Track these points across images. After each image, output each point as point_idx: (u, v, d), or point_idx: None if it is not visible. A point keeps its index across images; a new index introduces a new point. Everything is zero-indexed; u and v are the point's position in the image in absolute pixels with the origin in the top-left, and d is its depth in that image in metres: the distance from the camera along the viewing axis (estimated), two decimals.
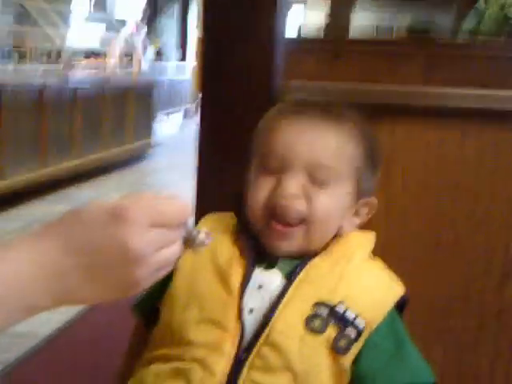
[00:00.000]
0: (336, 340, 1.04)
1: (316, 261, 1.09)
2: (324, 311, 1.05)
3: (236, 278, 1.06)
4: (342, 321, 1.05)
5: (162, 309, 1.11)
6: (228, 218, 1.17)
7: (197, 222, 1.28)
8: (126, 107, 6.91)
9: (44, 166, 5.24)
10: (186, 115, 11.22)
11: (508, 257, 1.66)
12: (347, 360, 1.04)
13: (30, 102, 5.01)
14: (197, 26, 11.38)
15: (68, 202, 5.10)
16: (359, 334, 1.05)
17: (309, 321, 1.04)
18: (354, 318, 1.05)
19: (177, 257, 0.75)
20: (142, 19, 10.67)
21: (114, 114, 6.64)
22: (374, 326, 1.07)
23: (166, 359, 1.05)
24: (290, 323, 1.04)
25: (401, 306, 1.15)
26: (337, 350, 1.04)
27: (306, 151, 1.08)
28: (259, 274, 1.08)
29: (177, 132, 9.90)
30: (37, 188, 5.10)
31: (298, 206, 1.07)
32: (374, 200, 1.19)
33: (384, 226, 1.68)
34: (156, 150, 7.85)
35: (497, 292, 1.67)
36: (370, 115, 1.63)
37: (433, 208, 1.67)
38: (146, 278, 0.72)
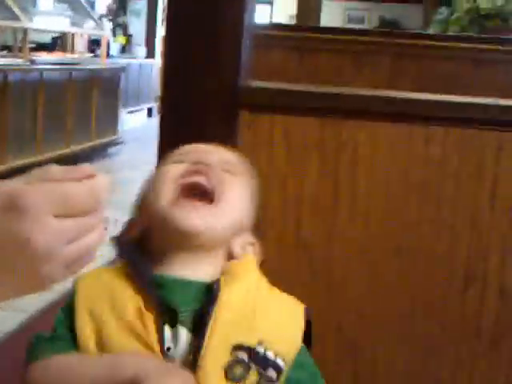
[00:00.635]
0: None
1: (224, 297, 1.02)
2: (244, 355, 0.98)
3: (153, 337, 0.98)
4: (263, 363, 0.99)
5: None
6: (108, 273, 1.08)
7: None
8: (91, 100, 6.83)
9: (3, 161, 5.17)
10: (149, 114, 11.14)
11: (470, 261, 1.64)
12: None
13: None
14: (162, 24, 11.31)
15: None
16: (279, 373, 1.00)
17: (229, 370, 0.97)
18: (275, 359, 1.00)
19: (97, 246, 0.64)
20: (108, 15, 10.57)
21: (80, 107, 6.56)
22: (290, 363, 1.02)
23: None
24: (210, 376, 0.97)
25: (307, 329, 1.11)
26: None
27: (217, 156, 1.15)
28: (167, 333, 1.00)
29: (141, 130, 9.83)
30: None
31: (211, 179, 1.08)
32: (257, 244, 1.17)
33: (348, 228, 1.66)
34: (119, 147, 7.78)
35: (459, 297, 1.66)
36: (334, 117, 1.62)
37: (396, 211, 1.66)
38: (59, 272, 0.62)
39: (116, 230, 1.11)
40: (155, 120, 10.21)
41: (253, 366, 0.98)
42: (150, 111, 11.08)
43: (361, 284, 1.69)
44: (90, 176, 0.63)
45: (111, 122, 7.45)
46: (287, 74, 2.24)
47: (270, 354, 1.00)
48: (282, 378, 1.01)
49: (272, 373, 1.00)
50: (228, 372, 0.97)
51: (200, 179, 1.08)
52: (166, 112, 1.67)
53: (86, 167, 0.64)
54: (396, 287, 1.68)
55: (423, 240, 1.65)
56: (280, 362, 1.01)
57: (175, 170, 1.12)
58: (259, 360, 0.99)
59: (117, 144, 7.69)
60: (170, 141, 1.66)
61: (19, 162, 5.35)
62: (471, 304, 1.66)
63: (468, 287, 1.65)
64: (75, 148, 6.44)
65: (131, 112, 10.04)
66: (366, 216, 1.66)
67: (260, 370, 0.99)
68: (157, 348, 0.98)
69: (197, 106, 1.63)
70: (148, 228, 1.12)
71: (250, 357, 0.99)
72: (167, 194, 1.08)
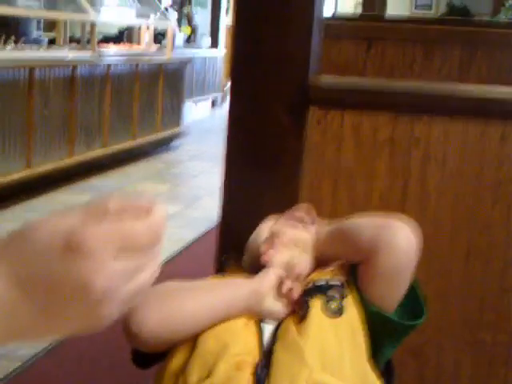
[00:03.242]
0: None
1: None
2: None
3: None
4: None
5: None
6: None
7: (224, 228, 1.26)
8: (156, 92, 6.87)
9: (71, 154, 5.23)
10: (214, 104, 11.17)
11: None
12: None
13: (61, 84, 4.99)
14: (227, 14, 11.30)
15: (93, 192, 5.07)
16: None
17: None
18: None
19: (149, 284, 0.62)
20: (173, 5, 10.63)
21: (145, 99, 6.61)
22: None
23: None
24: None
25: None
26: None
27: None
28: None
29: (205, 121, 9.87)
30: (64, 176, 5.08)
31: None
32: None
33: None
34: (184, 138, 7.82)
35: None
36: (406, 113, 1.56)
37: (468, 211, 1.60)
38: (113, 313, 0.60)
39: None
40: (219, 110, 10.22)
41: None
42: (214, 102, 11.12)
43: (429, 286, 1.63)
44: (149, 209, 0.60)
45: (176, 114, 7.48)
46: (355, 65, 2.18)
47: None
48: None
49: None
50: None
51: None
52: (233, 103, 1.64)
53: (144, 201, 0.61)
54: (465, 292, 1.63)
55: (495, 243, 1.59)
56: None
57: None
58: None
59: (181, 136, 7.73)
60: (237, 132, 1.64)
61: (87, 155, 5.42)
62: None
63: None
64: (141, 140, 6.48)
65: (196, 102, 10.08)
66: (436, 215, 1.61)
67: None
68: None
69: (265, 98, 1.60)
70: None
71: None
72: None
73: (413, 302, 1.15)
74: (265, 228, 1.31)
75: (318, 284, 1.13)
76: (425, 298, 1.17)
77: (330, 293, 1.11)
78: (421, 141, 1.59)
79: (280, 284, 1.13)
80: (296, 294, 1.11)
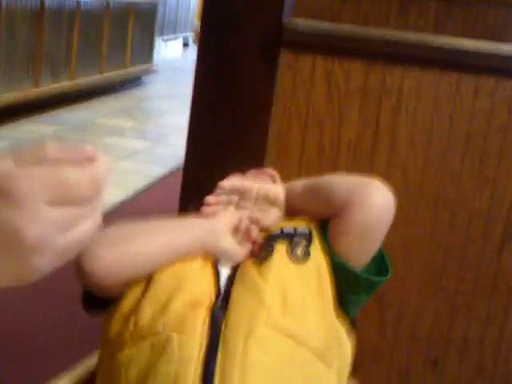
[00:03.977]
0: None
1: None
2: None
3: None
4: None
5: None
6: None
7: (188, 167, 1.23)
8: (127, 28, 6.74)
9: (37, 85, 5.13)
10: (186, 45, 10.99)
11: (510, 219, 1.59)
12: None
13: (28, 14, 4.86)
14: None
15: (58, 124, 5.00)
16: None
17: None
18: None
19: (88, 238, 0.58)
20: None
21: (115, 35, 6.48)
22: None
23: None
24: None
25: None
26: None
27: None
28: None
29: (176, 60, 9.73)
30: (29, 107, 5.00)
31: None
32: None
33: (386, 177, 1.61)
34: (154, 76, 7.71)
35: (496, 254, 1.61)
36: (379, 62, 1.55)
37: (437, 163, 1.60)
38: (48, 264, 0.56)
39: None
40: (191, 51, 10.08)
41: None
42: (186, 43, 10.94)
43: (394, 234, 1.64)
44: (91, 158, 0.56)
45: (146, 51, 7.36)
46: (330, 13, 2.15)
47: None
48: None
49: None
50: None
51: None
52: (203, 45, 1.61)
53: (86, 148, 0.57)
54: (430, 240, 1.64)
55: (463, 194, 1.59)
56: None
57: None
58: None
59: (151, 73, 7.62)
60: (206, 75, 1.60)
61: (53, 87, 5.32)
62: (507, 262, 1.61)
63: (505, 245, 1.60)
64: (109, 75, 6.38)
65: (167, 41, 9.91)
66: (405, 166, 1.61)
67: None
68: None
69: (237, 38, 1.56)
70: None
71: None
72: None
73: (380, 259, 1.14)
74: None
75: (286, 231, 1.12)
76: (389, 257, 1.15)
77: (297, 239, 1.10)
78: (393, 91, 1.57)
79: (238, 225, 1.13)
80: (254, 233, 1.11)
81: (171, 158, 4.47)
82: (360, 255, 1.09)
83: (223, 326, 0.94)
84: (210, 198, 1.20)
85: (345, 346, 1.07)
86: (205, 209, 1.18)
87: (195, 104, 1.66)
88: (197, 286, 1.00)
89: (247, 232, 1.11)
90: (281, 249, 1.06)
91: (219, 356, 0.91)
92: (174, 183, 2.24)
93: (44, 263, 0.55)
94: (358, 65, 1.56)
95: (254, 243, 1.10)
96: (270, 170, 1.29)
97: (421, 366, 1.69)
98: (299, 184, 1.21)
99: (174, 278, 1.00)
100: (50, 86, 5.32)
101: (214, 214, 1.15)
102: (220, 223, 1.11)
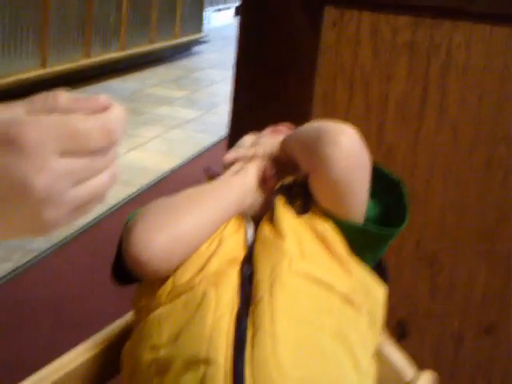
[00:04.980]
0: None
1: None
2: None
3: None
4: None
5: None
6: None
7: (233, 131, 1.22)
8: None
9: (87, 55, 5.17)
10: (237, 13, 10.95)
11: None
12: None
13: None
14: None
15: (109, 94, 5.02)
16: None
17: None
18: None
19: (107, 188, 0.55)
20: None
21: (165, 3, 6.48)
22: None
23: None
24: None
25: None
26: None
27: None
28: None
29: (227, 29, 9.69)
30: (80, 77, 5.04)
31: None
32: None
33: (435, 136, 1.57)
34: (204, 46, 7.70)
35: None
36: (428, 16, 1.50)
37: (488, 123, 1.55)
38: (61, 218, 0.53)
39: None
40: None
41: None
42: (237, 10, 10.90)
43: (444, 196, 1.60)
44: (104, 108, 0.54)
45: (196, 20, 7.35)
46: None
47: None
48: None
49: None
50: None
51: None
52: (245, 5, 1.58)
53: (99, 97, 0.55)
54: (481, 202, 1.59)
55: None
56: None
57: None
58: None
59: (201, 42, 7.62)
60: (248, 36, 1.58)
61: (103, 57, 5.35)
62: None
63: None
64: (159, 45, 6.39)
65: (217, 10, 9.88)
66: (455, 125, 1.56)
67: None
68: None
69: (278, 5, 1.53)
70: None
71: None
72: None
73: (398, 206, 1.06)
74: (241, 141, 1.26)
75: (286, 183, 1.10)
76: (408, 203, 1.06)
77: (296, 190, 1.06)
78: (442, 47, 1.52)
79: (262, 177, 1.10)
80: (274, 183, 1.08)
81: (221, 126, 4.47)
82: (346, 208, 1.01)
83: (253, 280, 0.93)
84: (229, 154, 1.17)
85: (374, 292, 1.03)
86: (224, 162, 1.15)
87: (239, 67, 1.64)
88: (233, 245, 0.99)
89: (270, 183, 1.09)
90: (280, 202, 1.03)
91: (250, 309, 0.90)
92: (224, 151, 2.23)
93: (57, 216, 0.53)
94: (405, 20, 1.51)
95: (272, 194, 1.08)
96: (285, 125, 1.24)
97: (474, 331, 1.65)
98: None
99: (211, 243, 0.99)
100: (100, 56, 5.36)
101: (237, 171, 1.12)
102: (250, 179, 1.09)
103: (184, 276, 0.96)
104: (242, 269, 0.95)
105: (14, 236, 0.56)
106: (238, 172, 1.12)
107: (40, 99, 0.53)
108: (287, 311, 0.89)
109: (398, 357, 1.11)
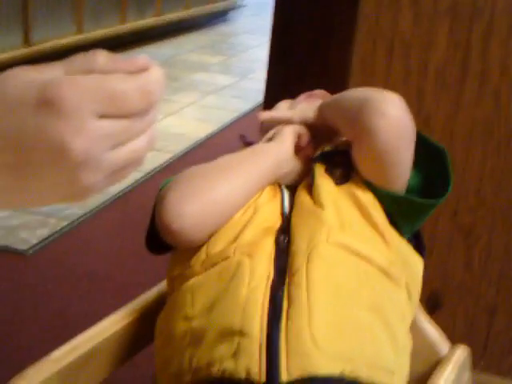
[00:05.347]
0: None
1: None
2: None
3: None
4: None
5: None
6: None
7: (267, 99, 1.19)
8: None
9: (123, 21, 5.16)
10: None
11: None
12: None
13: None
14: None
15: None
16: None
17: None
18: None
19: (145, 152, 0.54)
20: None
21: None
22: None
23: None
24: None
25: None
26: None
27: None
28: None
29: None
30: (116, 43, 5.04)
31: None
32: None
33: (475, 105, 1.53)
34: (241, 11, 7.64)
35: None
36: None
37: None
38: (99, 182, 0.52)
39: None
40: None
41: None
42: None
43: (483, 166, 1.57)
44: (143, 69, 0.52)
45: None
46: None
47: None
48: None
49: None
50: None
51: None
52: None
53: (139, 58, 0.53)
54: None
55: None
56: None
57: None
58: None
59: (238, 8, 7.56)
60: (287, 4, 1.55)
61: (139, 23, 5.34)
62: None
63: None
64: (195, 10, 6.36)
65: None
66: (497, 94, 1.52)
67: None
68: None
69: None
70: None
71: None
72: None
73: (440, 175, 1.02)
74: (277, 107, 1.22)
75: (326, 150, 1.07)
76: (451, 172, 1.02)
77: (337, 158, 1.03)
78: (485, 12, 1.48)
79: (298, 143, 1.07)
80: (312, 150, 1.06)
81: (257, 92, 4.43)
82: (389, 179, 0.99)
83: (289, 250, 0.91)
84: (264, 113, 1.14)
85: (412, 264, 1.01)
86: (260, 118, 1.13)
87: (275, 33, 1.62)
88: (268, 214, 0.97)
89: (306, 150, 1.07)
90: (320, 170, 1.01)
91: (286, 281, 0.88)
92: None
93: (94, 181, 0.51)
94: None
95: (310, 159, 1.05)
96: (321, 91, 1.21)
97: (508, 304, 1.63)
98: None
99: (246, 211, 0.97)
100: (136, 23, 5.35)
101: (273, 137, 1.09)
102: (286, 146, 1.06)
103: (218, 245, 0.94)
104: (277, 238, 0.93)
105: (50, 201, 0.54)
106: (273, 138, 1.09)
107: (79, 59, 0.52)
108: (324, 283, 0.88)
109: (432, 330, 1.10)
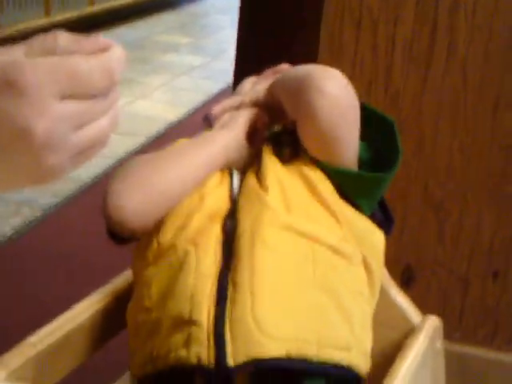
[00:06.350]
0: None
1: None
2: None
3: None
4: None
5: None
6: None
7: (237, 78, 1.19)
8: None
9: (92, 2, 5.11)
10: None
11: None
12: None
13: None
14: None
15: (115, 41, 4.98)
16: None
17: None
18: None
19: (109, 132, 0.55)
20: None
21: None
22: None
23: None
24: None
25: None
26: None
27: None
28: None
29: None
30: (85, 25, 4.99)
31: None
32: None
33: (443, 78, 1.54)
34: None
35: None
36: None
37: (497, 63, 1.51)
38: (64, 163, 0.52)
39: None
40: None
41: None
42: None
43: (452, 140, 1.58)
44: (104, 49, 0.53)
45: None
46: None
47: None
48: None
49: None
50: None
51: None
52: None
53: (98, 37, 0.54)
54: (490, 145, 1.57)
55: None
56: None
57: None
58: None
59: None
60: None
61: (109, 4, 5.30)
62: None
63: None
64: None
65: None
66: (464, 67, 1.53)
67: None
68: None
69: None
70: None
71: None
72: None
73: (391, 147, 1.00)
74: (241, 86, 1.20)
75: (274, 131, 1.07)
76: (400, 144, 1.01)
77: (285, 138, 1.03)
78: None
79: (251, 127, 1.05)
80: (263, 132, 1.05)
81: (228, 73, 4.42)
82: (338, 155, 0.98)
83: (235, 236, 0.91)
84: (215, 107, 1.11)
85: (370, 238, 0.99)
86: (211, 115, 1.10)
87: (243, 11, 1.61)
88: (215, 200, 0.96)
89: (261, 133, 1.05)
90: (267, 151, 1.00)
91: (232, 266, 0.88)
92: None
93: (60, 161, 0.52)
94: None
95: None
96: (286, 66, 1.17)
97: (481, 276, 1.65)
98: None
99: (194, 195, 0.96)
100: (105, 3, 5.30)
101: (224, 124, 1.07)
102: (236, 133, 1.04)
103: (166, 235, 0.94)
104: (224, 223, 0.93)
105: (17, 185, 0.55)
106: (225, 124, 1.06)
107: (39, 41, 0.52)
108: (267, 267, 0.88)
109: (404, 301, 1.11)
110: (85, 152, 0.54)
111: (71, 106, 0.51)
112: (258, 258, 0.88)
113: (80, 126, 0.52)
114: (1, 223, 2.46)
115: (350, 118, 0.96)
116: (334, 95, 0.93)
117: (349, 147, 0.98)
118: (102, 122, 0.53)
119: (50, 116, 0.50)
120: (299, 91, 0.95)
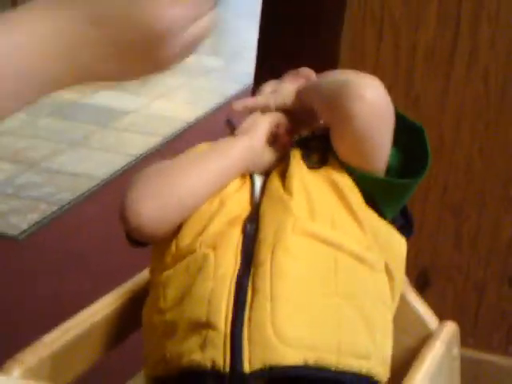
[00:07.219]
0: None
1: None
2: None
3: None
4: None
5: None
6: None
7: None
8: None
9: None
10: None
11: None
12: None
13: None
14: None
15: None
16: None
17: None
18: None
19: (207, 32, 0.66)
20: None
21: None
22: None
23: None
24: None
25: None
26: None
27: None
28: None
29: None
30: None
31: None
32: None
33: (465, 85, 1.54)
34: None
35: None
36: None
37: None
38: (175, 56, 0.65)
39: None
40: None
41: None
42: None
43: (473, 144, 1.57)
44: None
45: None
46: None
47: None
48: None
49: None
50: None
51: None
52: None
53: None
54: (509, 151, 1.57)
55: None
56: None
57: None
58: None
59: None
60: None
61: None
62: None
63: None
64: None
65: None
66: (487, 73, 1.52)
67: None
68: None
69: None
70: None
71: None
72: None
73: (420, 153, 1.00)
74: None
75: (303, 136, 1.06)
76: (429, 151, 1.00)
77: (313, 143, 1.02)
78: None
79: (274, 132, 1.03)
80: (288, 138, 1.03)
81: (247, 75, 4.42)
82: (371, 161, 0.98)
83: (255, 240, 0.90)
84: (238, 103, 1.10)
85: (393, 245, 0.99)
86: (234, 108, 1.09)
87: (264, 14, 1.61)
88: (236, 204, 0.96)
89: (283, 139, 1.04)
90: (296, 156, 0.99)
91: (252, 271, 0.88)
92: None
93: (172, 55, 0.64)
94: None
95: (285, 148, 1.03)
96: (306, 70, 1.15)
97: (497, 281, 1.64)
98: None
99: (214, 200, 0.96)
100: None
101: (247, 129, 1.04)
102: (257, 140, 1.02)
103: (186, 238, 0.94)
104: (244, 227, 0.92)
105: (129, 75, 0.66)
106: (247, 130, 1.04)
107: None
108: (288, 273, 0.87)
109: (420, 306, 1.10)
110: (187, 49, 0.65)
111: (183, 10, 0.62)
112: (279, 264, 0.87)
113: (187, 27, 0.63)
114: (18, 219, 2.48)
115: (387, 125, 0.96)
116: (374, 101, 0.93)
117: (381, 153, 0.98)
118: (204, 22, 0.65)
119: (168, 16, 0.61)
120: (338, 96, 0.95)
